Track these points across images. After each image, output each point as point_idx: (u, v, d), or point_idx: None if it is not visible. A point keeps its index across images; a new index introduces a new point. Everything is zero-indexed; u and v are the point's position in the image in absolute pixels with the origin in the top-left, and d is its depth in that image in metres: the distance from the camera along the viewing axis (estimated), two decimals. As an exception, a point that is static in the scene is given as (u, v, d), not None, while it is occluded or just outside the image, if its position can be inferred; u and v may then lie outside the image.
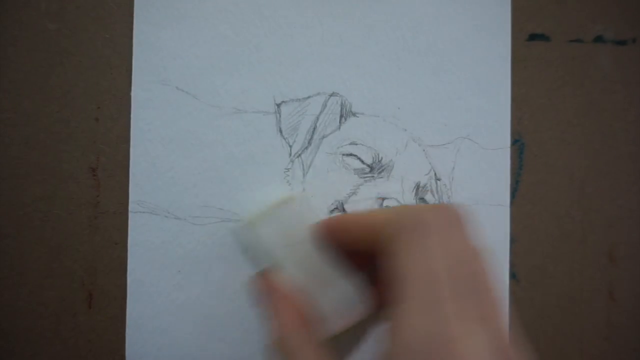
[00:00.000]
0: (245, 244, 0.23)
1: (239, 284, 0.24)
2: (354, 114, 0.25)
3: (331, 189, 0.24)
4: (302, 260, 0.21)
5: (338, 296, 0.21)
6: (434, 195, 0.25)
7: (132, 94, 0.23)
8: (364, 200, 0.25)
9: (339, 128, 0.24)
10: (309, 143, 0.24)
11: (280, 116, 0.24)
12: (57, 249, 0.23)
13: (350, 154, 0.25)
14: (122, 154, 0.23)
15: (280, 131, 0.24)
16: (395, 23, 0.25)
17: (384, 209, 0.19)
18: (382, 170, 0.25)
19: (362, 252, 0.20)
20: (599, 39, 0.27)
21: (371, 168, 0.25)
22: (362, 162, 0.25)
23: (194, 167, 0.23)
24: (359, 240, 0.19)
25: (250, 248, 0.23)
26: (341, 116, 0.25)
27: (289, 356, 0.19)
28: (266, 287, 0.21)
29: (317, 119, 0.24)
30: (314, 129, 0.24)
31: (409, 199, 0.25)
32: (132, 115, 0.23)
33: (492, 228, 0.26)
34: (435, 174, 0.25)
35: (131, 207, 0.23)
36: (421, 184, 0.25)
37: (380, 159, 0.25)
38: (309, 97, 0.24)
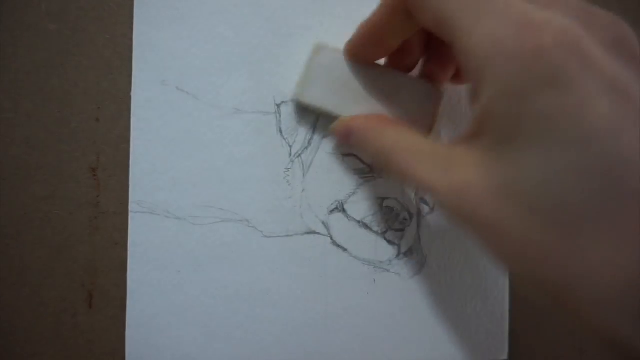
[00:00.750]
0: (306, 108, 0.23)
1: (239, 284, 0.24)
2: (354, 114, 0.25)
3: (331, 189, 0.25)
4: (363, 90, 0.21)
5: (413, 101, 0.21)
6: (433, 195, 0.25)
7: (132, 94, 0.23)
8: (364, 200, 0.25)
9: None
10: (309, 143, 0.24)
11: (280, 116, 0.24)
12: (58, 249, 0.23)
13: (350, 154, 0.25)
14: (122, 154, 0.23)
15: (280, 131, 0.24)
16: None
17: None
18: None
19: (402, 33, 0.19)
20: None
21: (371, 168, 0.25)
22: (362, 162, 0.25)
23: (194, 167, 0.23)
24: (389, 23, 0.18)
25: (311, 109, 0.23)
26: (341, 116, 0.25)
27: (396, 153, 0.18)
28: (349, 125, 0.21)
29: (317, 119, 0.24)
30: (314, 129, 0.24)
31: (409, 199, 0.25)
32: (132, 115, 0.23)
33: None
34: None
35: (131, 207, 0.23)
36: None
37: (380, 159, 0.25)
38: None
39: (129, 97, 0.23)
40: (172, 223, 0.23)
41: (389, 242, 0.25)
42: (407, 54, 0.22)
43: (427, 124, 0.22)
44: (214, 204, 0.23)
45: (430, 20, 0.16)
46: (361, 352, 0.24)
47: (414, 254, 0.25)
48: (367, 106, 0.21)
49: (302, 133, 0.24)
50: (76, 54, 0.23)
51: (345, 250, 0.25)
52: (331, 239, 0.24)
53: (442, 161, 0.17)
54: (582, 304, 0.13)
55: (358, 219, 0.25)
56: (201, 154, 0.23)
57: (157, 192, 0.23)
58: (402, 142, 0.18)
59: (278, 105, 0.24)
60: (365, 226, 0.25)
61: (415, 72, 0.24)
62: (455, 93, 0.25)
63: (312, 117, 0.24)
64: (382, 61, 0.23)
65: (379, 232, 0.25)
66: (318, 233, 0.24)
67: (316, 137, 0.24)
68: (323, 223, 0.24)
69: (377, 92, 0.21)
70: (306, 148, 0.24)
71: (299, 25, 0.24)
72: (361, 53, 0.21)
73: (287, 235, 0.24)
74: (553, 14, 0.14)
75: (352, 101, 0.22)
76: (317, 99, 0.22)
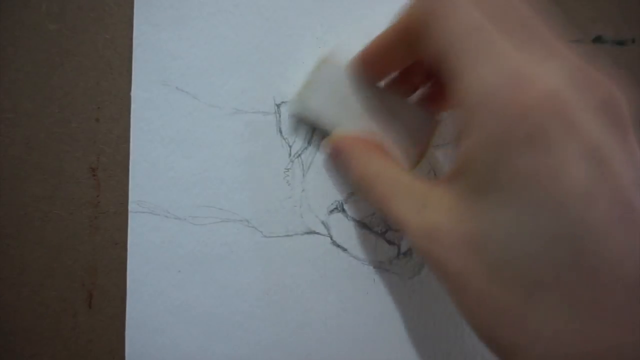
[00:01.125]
0: (303, 118, 0.24)
1: (239, 284, 0.24)
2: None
3: (331, 189, 0.25)
4: (360, 108, 0.21)
5: (408, 126, 0.21)
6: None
7: (132, 94, 0.23)
8: (364, 200, 0.25)
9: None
10: (309, 143, 0.24)
11: (280, 116, 0.24)
12: (58, 248, 0.23)
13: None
14: (122, 154, 0.23)
15: (280, 131, 0.24)
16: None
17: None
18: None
19: (405, 59, 0.19)
20: (598, 40, 0.27)
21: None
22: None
23: (194, 167, 0.23)
24: (394, 47, 0.18)
25: (310, 121, 0.23)
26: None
27: (376, 185, 0.18)
28: (339, 143, 0.21)
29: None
30: (314, 129, 0.24)
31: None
32: (132, 116, 0.23)
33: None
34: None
35: (131, 207, 0.23)
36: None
37: (380, 159, 0.25)
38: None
39: (129, 97, 0.23)
40: (172, 223, 0.23)
41: (389, 242, 0.25)
42: (409, 79, 0.22)
43: (418, 150, 0.22)
44: (214, 204, 0.23)
45: (431, 54, 0.16)
46: (361, 352, 0.24)
47: (414, 254, 0.25)
48: (363, 125, 0.22)
49: (302, 133, 0.24)
50: (76, 54, 0.23)
51: (345, 250, 0.25)
52: (331, 239, 0.24)
53: (418, 199, 0.17)
54: None
55: (358, 219, 0.25)
56: (201, 154, 0.23)
57: (157, 192, 0.23)
58: (384, 173, 0.19)
59: (278, 106, 0.24)
60: (365, 226, 0.25)
61: (416, 97, 0.23)
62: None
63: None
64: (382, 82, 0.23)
65: (379, 232, 0.25)
66: (318, 233, 0.24)
67: (316, 137, 0.24)
68: (323, 223, 0.24)
69: (374, 113, 0.22)
70: (306, 148, 0.24)
71: (299, 25, 0.24)
72: (364, 70, 0.21)
73: (287, 235, 0.24)
74: (546, 72, 0.14)
75: (348, 118, 0.22)
76: (315, 111, 0.22)
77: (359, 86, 0.22)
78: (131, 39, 0.23)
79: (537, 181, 0.13)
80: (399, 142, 0.21)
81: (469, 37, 0.15)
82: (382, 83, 0.22)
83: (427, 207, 0.16)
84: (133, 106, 0.23)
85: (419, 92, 0.23)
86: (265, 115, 0.24)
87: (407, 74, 0.22)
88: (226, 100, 0.24)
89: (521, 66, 0.14)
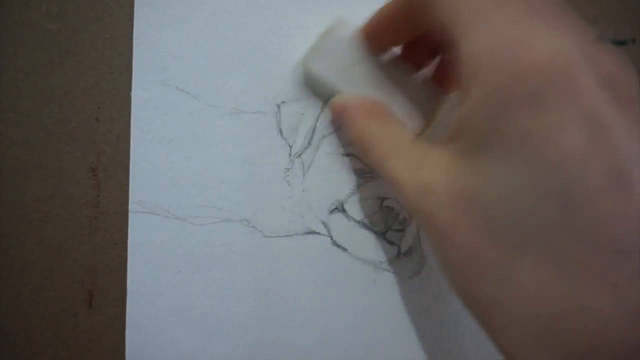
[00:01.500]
0: (308, 83, 0.24)
1: (239, 284, 0.24)
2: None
3: (331, 189, 0.25)
4: (364, 78, 0.22)
5: (412, 100, 0.21)
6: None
7: (132, 94, 0.23)
8: (364, 200, 0.25)
9: (339, 128, 0.24)
10: (309, 143, 0.24)
11: (280, 116, 0.24)
12: (58, 249, 0.23)
13: (350, 154, 0.25)
14: (122, 154, 0.23)
15: (280, 131, 0.24)
16: (395, 23, 0.25)
17: None
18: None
19: (408, 31, 0.19)
20: (598, 40, 0.27)
21: (371, 168, 0.25)
22: (362, 162, 0.25)
23: (194, 167, 0.23)
24: (397, 19, 0.19)
25: (313, 85, 0.23)
26: (341, 116, 0.25)
27: (374, 144, 0.18)
28: (342, 104, 0.21)
29: (317, 119, 0.24)
30: (314, 129, 0.24)
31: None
32: (132, 115, 0.23)
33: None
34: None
35: (131, 207, 0.23)
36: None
37: (380, 159, 0.25)
38: (309, 97, 0.24)
39: (129, 97, 0.23)
40: (172, 223, 0.23)
41: (389, 242, 0.25)
42: (413, 56, 0.22)
43: (421, 124, 0.22)
44: (214, 204, 0.23)
45: (433, 24, 0.16)
46: (361, 352, 0.24)
47: (414, 254, 0.25)
48: (369, 91, 0.22)
49: (302, 133, 0.24)
50: (76, 54, 0.23)
51: (345, 250, 0.25)
52: (331, 239, 0.24)
53: (415, 160, 0.17)
54: (499, 325, 0.14)
55: (358, 219, 0.25)
56: (201, 154, 0.23)
57: (157, 192, 0.23)
58: (384, 133, 0.19)
59: (278, 105, 0.24)
60: (365, 226, 0.25)
61: (420, 76, 0.24)
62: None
63: (312, 118, 0.24)
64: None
65: (379, 232, 0.25)
66: (318, 233, 0.24)
67: (316, 137, 0.24)
68: (323, 223, 0.24)
69: (378, 83, 0.22)
70: (306, 148, 0.24)
71: (299, 25, 0.24)
72: (374, 38, 0.21)
73: (287, 235, 0.24)
74: (556, 36, 0.14)
75: (356, 82, 0.22)
76: (324, 71, 0.22)
77: (364, 57, 0.22)
78: (131, 39, 0.23)
79: (533, 139, 0.13)
80: (404, 112, 0.21)
81: (471, 3, 0.15)
82: (388, 57, 0.22)
83: (423, 166, 0.16)
84: (133, 106, 0.23)
85: (423, 72, 0.23)
86: (265, 115, 0.24)
87: (411, 50, 0.22)
88: (226, 100, 0.24)
89: (532, 28, 0.14)
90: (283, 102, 0.24)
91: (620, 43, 0.27)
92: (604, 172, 0.12)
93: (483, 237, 0.14)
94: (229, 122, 0.24)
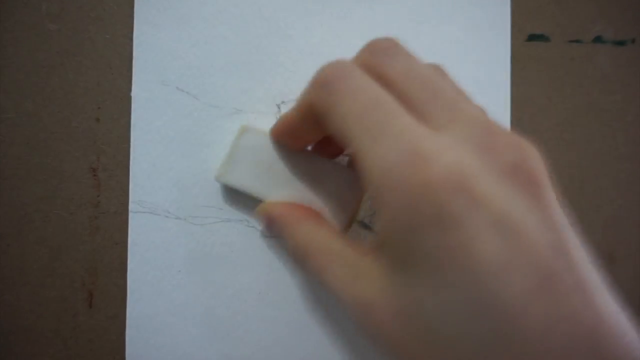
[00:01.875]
0: (231, 189, 0.23)
1: (239, 284, 0.24)
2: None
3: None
4: (287, 174, 0.21)
5: (337, 187, 0.21)
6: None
7: (133, 94, 0.23)
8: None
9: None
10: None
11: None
12: (58, 249, 0.23)
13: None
14: (122, 154, 0.23)
15: (280, 131, 0.24)
16: (394, 23, 0.25)
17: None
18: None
19: (316, 135, 0.19)
20: (598, 40, 0.27)
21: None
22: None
23: (194, 167, 0.23)
24: (302, 126, 0.18)
25: (237, 190, 0.22)
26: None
27: (309, 256, 0.18)
28: (269, 213, 0.21)
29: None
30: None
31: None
32: (132, 115, 0.23)
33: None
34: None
35: (131, 207, 0.23)
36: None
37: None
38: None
39: (129, 97, 0.23)
40: (172, 223, 0.23)
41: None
42: (331, 145, 0.22)
43: (349, 211, 0.21)
44: (214, 204, 0.23)
45: (335, 131, 0.16)
46: (361, 352, 0.24)
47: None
48: (291, 191, 0.21)
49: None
50: (76, 54, 0.23)
51: (345, 250, 0.25)
52: (331, 239, 0.24)
53: (350, 269, 0.17)
54: None
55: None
56: (201, 154, 0.23)
57: (157, 192, 0.23)
58: (316, 242, 0.18)
59: (278, 106, 0.24)
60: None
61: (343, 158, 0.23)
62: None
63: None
64: None
65: (379, 232, 0.25)
66: (318, 233, 0.24)
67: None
68: (323, 223, 0.24)
69: (301, 177, 0.21)
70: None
71: (299, 26, 0.24)
72: (283, 141, 0.21)
73: (287, 235, 0.24)
74: (446, 143, 0.13)
75: (276, 185, 0.21)
76: (241, 180, 0.22)
77: (283, 152, 0.21)
78: (131, 39, 0.23)
79: (449, 259, 0.13)
80: (329, 205, 0.21)
81: (366, 116, 0.14)
82: (301, 152, 0.22)
83: (359, 277, 0.16)
84: (133, 106, 0.23)
85: (340, 158, 0.23)
86: (265, 115, 0.24)
87: (324, 145, 0.22)
88: (226, 100, 0.24)
89: (420, 141, 0.13)
90: (283, 102, 0.24)
91: (620, 43, 0.27)
92: (524, 279, 0.12)
93: (432, 350, 0.14)
94: (229, 122, 0.24)
